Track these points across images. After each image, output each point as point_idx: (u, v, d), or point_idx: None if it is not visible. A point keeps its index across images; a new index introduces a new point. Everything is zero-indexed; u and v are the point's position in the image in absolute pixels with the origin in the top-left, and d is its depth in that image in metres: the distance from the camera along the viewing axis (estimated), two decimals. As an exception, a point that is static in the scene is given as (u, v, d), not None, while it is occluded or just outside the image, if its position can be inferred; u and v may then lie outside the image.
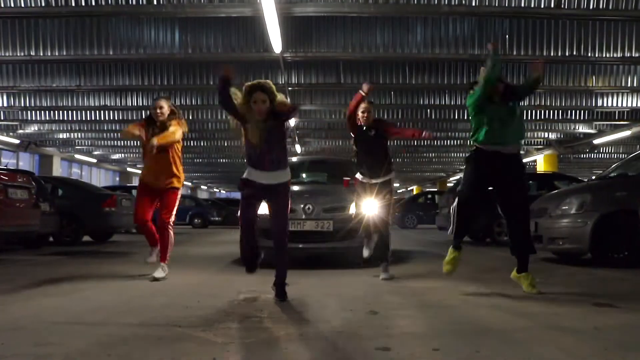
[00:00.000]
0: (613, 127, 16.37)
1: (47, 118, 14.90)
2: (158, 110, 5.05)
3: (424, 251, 8.72)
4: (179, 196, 5.22)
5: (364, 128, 5.21)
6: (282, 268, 3.92)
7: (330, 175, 7.54)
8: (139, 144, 20.29)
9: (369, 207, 5.21)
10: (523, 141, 4.54)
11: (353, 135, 5.33)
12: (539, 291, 4.18)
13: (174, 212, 5.15)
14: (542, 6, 7.75)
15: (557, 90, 12.01)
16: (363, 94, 5.09)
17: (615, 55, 9.01)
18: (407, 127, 16.22)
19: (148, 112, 5.30)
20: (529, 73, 4.37)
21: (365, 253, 5.42)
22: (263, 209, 3.99)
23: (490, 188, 4.42)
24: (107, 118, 14.73)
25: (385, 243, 5.18)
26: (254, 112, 3.77)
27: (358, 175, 5.31)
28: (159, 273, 4.99)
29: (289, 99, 10.77)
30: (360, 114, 5.22)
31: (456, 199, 4.43)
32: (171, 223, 5.10)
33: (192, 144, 19.74)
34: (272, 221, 3.92)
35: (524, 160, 19.94)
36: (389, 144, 5.42)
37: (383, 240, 5.17)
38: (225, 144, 19.91)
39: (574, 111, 14.16)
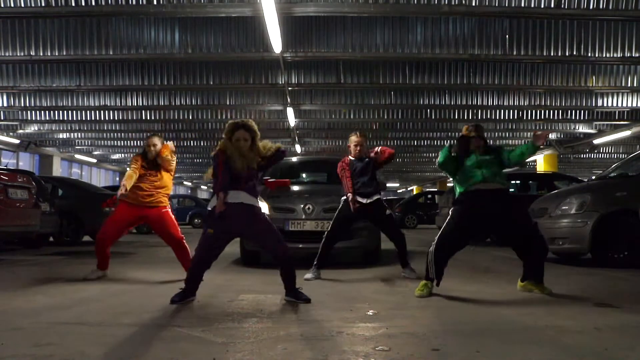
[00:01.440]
0: (613, 127, 16.37)
1: (47, 118, 14.89)
2: (152, 148, 5.13)
3: (424, 251, 8.70)
4: (172, 214, 5.31)
5: (355, 160, 5.35)
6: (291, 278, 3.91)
7: (330, 175, 7.54)
8: (139, 144, 20.33)
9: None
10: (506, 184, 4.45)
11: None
12: (550, 290, 4.22)
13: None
14: (542, 6, 7.74)
15: (557, 90, 12.00)
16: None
17: (615, 55, 9.00)
18: (406, 127, 16.27)
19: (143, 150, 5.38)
20: (532, 140, 4.27)
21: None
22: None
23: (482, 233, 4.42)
24: (107, 118, 14.73)
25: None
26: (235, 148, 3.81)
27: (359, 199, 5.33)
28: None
29: (289, 99, 10.79)
30: (352, 146, 5.36)
31: (434, 245, 4.27)
32: (183, 237, 5.17)
33: (192, 144, 19.73)
34: (267, 243, 3.89)
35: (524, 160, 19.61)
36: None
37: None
38: (225, 144, 19.85)
39: (574, 111, 14.16)
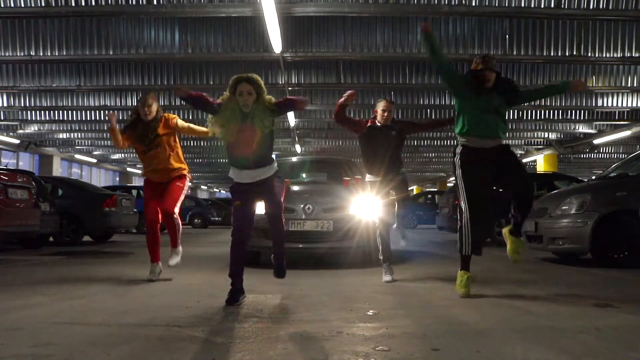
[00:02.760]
0: (613, 127, 16.37)
1: (47, 118, 14.89)
2: (146, 109, 4.85)
3: (424, 251, 8.72)
4: (185, 186, 5.02)
5: (380, 127, 5.11)
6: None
7: (330, 175, 7.54)
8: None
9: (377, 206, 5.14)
10: (505, 136, 4.28)
11: (357, 133, 5.23)
12: (517, 260, 4.19)
13: (179, 203, 4.96)
14: (542, 6, 7.75)
15: (557, 90, 11.99)
16: (343, 101, 4.98)
17: (615, 55, 9.01)
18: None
19: (131, 113, 5.12)
20: (568, 83, 4.16)
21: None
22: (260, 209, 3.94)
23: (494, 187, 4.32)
24: (107, 118, 14.71)
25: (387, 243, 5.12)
26: (237, 106, 3.69)
27: (368, 177, 5.20)
28: (173, 260, 5.00)
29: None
30: (379, 110, 5.12)
31: (463, 217, 4.06)
32: (176, 214, 4.92)
33: (192, 144, 19.73)
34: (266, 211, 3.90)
35: (524, 160, 19.91)
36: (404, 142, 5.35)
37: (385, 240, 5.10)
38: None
39: (574, 111, 14.16)
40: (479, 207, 4.06)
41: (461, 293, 4.04)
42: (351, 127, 5.31)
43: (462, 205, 4.11)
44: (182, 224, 5.24)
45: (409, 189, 5.31)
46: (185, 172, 5.06)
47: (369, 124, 5.17)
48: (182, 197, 5.01)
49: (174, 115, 5.03)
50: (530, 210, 4.32)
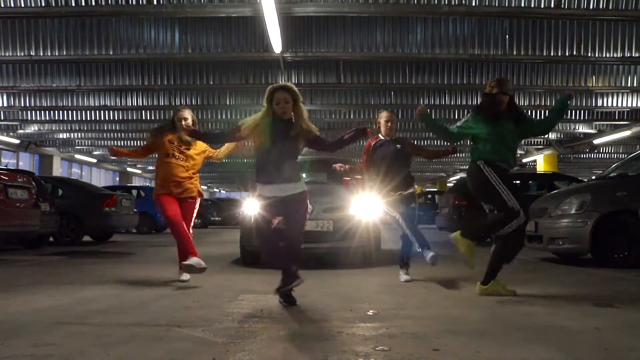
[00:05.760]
0: (613, 127, 16.37)
1: (47, 118, 14.89)
2: (183, 122, 4.70)
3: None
4: (197, 207, 5.02)
5: (383, 142, 5.00)
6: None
7: (330, 175, 7.54)
8: (139, 144, 20.30)
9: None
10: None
11: (366, 159, 5.08)
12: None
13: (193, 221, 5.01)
14: (542, 6, 7.75)
15: (557, 90, 11.99)
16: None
17: (615, 55, 9.00)
18: (406, 127, 16.27)
19: (171, 120, 4.95)
20: (563, 99, 4.20)
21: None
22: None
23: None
24: (107, 118, 14.73)
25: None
26: (271, 117, 3.68)
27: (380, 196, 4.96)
28: (185, 275, 4.85)
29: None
30: (383, 122, 5.01)
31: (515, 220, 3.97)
32: (190, 232, 4.91)
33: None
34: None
35: (524, 160, 19.87)
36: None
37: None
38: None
39: (574, 111, 14.15)
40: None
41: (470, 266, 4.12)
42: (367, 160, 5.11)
43: (510, 205, 3.96)
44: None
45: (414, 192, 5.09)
46: (196, 193, 5.04)
47: (372, 144, 5.06)
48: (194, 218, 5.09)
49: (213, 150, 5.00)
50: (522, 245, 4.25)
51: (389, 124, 5.02)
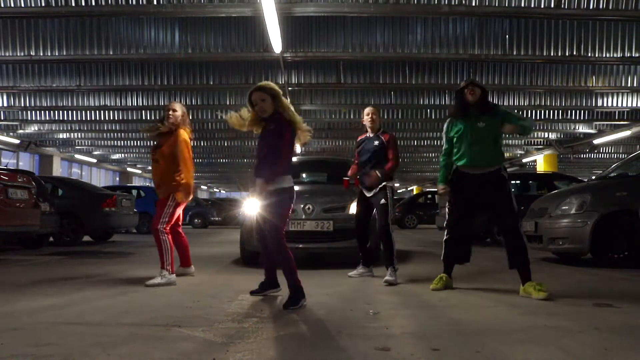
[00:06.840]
0: (613, 127, 16.38)
1: (47, 118, 14.91)
2: (170, 113, 4.79)
3: (424, 251, 8.72)
4: (169, 201, 4.78)
5: (368, 136, 5.20)
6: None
7: (330, 175, 7.54)
8: (139, 144, 20.35)
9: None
10: (500, 164, 4.24)
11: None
12: (547, 294, 3.91)
13: (164, 218, 4.76)
14: (542, 6, 7.75)
15: (557, 90, 12.01)
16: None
17: (615, 55, 9.01)
18: (406, 127, 16.27)
19: (159, 116, 4.97)
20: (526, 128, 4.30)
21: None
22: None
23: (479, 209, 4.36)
24: (107, 118, 14.74)
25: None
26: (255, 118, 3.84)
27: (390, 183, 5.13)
28: (152, 280, 4.66)
29: (288, 98, 10.69)
30: (365, 117, 5.22)
31: (445, 233, 4.45)
32: (160, 229, 4.73)
33: (192, 144, 19.70)
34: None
35: (524, 160, 19.82)
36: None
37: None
38: (225, 144, 19.90)
39: (574, 111, 14.17)
40: (458, 229, 4.37)
41: (431, 287, 4.40)
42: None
43: (447, 219, 4.46)
44: (183, 225, 5.16)
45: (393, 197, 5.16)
46: (174, 190, 4.81)
47: (359, 140, 5.33)
48: (168, 214, 4.80)
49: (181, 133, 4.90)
50: (526, 256, 4.18)
51: (369, 117, 5.20)
